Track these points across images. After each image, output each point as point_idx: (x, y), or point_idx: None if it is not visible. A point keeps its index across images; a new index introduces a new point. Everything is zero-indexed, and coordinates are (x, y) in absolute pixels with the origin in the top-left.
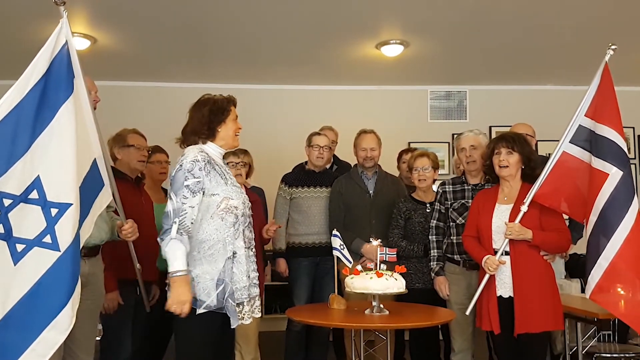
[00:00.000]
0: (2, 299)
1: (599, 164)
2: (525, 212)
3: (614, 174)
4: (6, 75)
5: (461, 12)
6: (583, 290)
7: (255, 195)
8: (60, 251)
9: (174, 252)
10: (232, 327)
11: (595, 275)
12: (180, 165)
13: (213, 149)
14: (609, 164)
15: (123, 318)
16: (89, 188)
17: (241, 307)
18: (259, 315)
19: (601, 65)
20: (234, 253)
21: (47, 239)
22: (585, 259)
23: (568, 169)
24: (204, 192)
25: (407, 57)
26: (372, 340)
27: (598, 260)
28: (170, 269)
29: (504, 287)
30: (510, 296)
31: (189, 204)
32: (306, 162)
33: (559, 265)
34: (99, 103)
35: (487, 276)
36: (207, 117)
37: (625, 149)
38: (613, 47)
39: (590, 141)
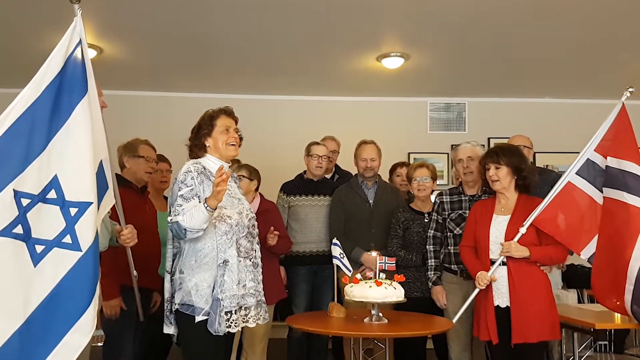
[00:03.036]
0: (24, 301)
1: (635, 200)
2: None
3: None
4: (20, 84)
5: (460, 26)
6: (580, 301)
7: (271, 204)
8: (82, 251)
9: (190, 212)
10: (213, 333)
11: None
12: (176, 179)
13: (212, 161)
14: None
15: (125, 324)
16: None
17: (229, 315)
18: (253, 325)
19: (617, 106)
20: (225, 261)
21: (67, 239)
22: (583, 271)
23: (571, 199)
24: (199, 199)
25: (407, 70)
26: (371, 349)
27: None
28: (207, 210)
29: (501, 297)
30: (507, 306)
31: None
32: (305, 172)
33: (556, 276)
34: (104, 112)
35: (476, 290)
36: (196, 132)
37: None
38: (630, 89)
39: (610, 177)
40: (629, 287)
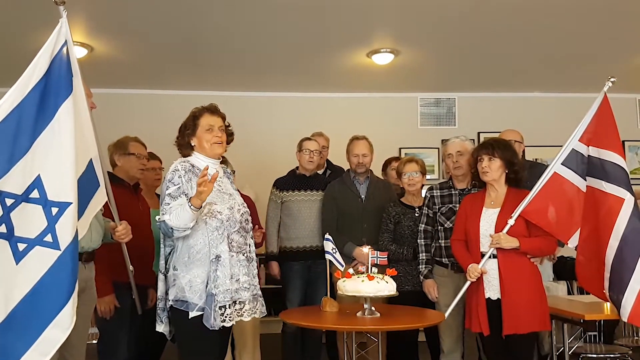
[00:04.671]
0: (4, 298)
1: (613, 189)
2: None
3: (629, 200)
4: (6, 83)
5: (450, 22)
6: (569, 292)
7: (246, 198)
8: (60, 250)
9: (176, 211)
10: (210, 328)
11: (630, 298)
12: (164, 178)
13: (201, 159)
14: (623, 189)
15: (119, 321)
16: (85, 188)
17: (223, 309)
18: (248, 318)
19: (600, 96)
20: (217, 256)
21: (48, 238)
22: (573, 263)
23: (557, 189)
24: (187, 196)
25: (397, 65)
26: (364, 342)
27: (630, 284)
28: (191, 209)
29: (492, 289)
30: (498, 298)
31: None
32: (297, 167)
33: (547, 268)
34: (96, 110)
35: (468, 282)
36: (182, 132)
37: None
38: (612, 79)
39: (591, 166)
40: (606, 275)
